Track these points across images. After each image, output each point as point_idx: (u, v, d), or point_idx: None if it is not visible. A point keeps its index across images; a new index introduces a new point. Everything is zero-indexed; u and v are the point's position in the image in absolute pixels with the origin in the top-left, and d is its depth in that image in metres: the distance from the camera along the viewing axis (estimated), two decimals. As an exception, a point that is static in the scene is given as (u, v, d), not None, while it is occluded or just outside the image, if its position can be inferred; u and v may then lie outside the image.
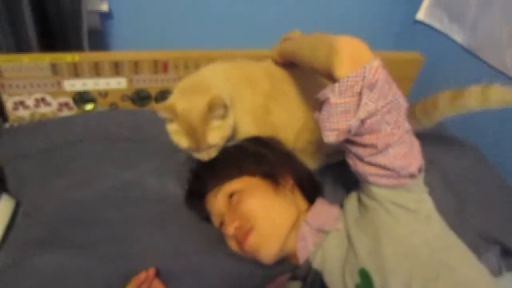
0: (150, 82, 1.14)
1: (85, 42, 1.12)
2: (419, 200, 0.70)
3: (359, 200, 0.77)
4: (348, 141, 0.66)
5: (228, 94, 0.79)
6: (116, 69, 1.09)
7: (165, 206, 0.90)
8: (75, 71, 1.06)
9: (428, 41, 1.43)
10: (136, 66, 1.10)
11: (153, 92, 1.17)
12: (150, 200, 0.91)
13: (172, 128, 0.78)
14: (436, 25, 1.39)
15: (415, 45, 1.46)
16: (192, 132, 0.75)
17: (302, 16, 1.31)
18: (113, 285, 0.75)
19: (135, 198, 0.91)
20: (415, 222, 0.69)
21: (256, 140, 0.86)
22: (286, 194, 0.80)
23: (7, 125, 1.10)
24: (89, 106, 1.14)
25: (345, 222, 0.78)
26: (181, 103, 0.76)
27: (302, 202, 0.85)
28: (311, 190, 0.88)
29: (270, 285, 0.82)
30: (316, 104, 0.67)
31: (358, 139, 0.63)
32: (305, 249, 0.77)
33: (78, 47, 1.12)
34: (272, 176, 0.80)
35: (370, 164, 0.66)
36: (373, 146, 0.63)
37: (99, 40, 1.24)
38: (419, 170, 0.67)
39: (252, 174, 0.80)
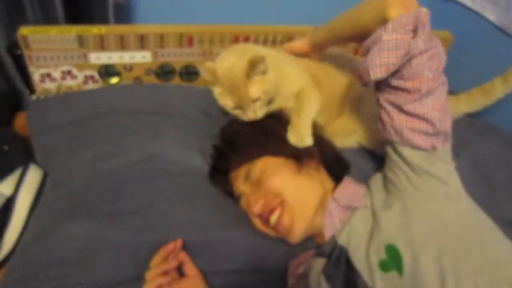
0: (174, 56, 1.13)
1: (111, 15, 1.11)
2: (450, 173, 0.71)
3: (385, 178, 0.77)
4: (390, 88, 0.68)
5: (267, 54, 0.79)
6: (142, 42, 1.08)
7: (190, 179, 0.90)
8: (101, 44, 1.06)
9: (458, 19, 1.38)
10: (161, 39, 1.09)
11: (177, 67, 1.16)
12: (174, 173, 0.91)
13: (217, 91, 0.81)
14: (467, 3, 1.34)
15: (444, 24, 1.40)
16: (235, 90, 0.77)
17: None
18: (140, 255, 0.76)
19: (160, 170, 0.91)
20: (446, 198, 0.69)
21: (279, 119, 0.85)
22: (310, 173, 0.80)
23: (34, 97, 1.11)
24: (113, 80, 1.14)
25: (371, 200, 0.78)
26: (221, 65, 0.78)
27: (328, 181, 0.85)
28: (337, 169, 0.88)
29: (295, 261, 0.83)
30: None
31: (401, 84, 0.66)
32: (331, 225, 0.78)
33: (103, 21, 1.11)
34: (295, 156, 0.80)
35: (408, 114, 0.67)
36: (416, 90, 0.65)
37: (124, 14, 1.23)
38: (449, 136, 0.70)
39: (275, 153, 0.80)
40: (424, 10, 0.62)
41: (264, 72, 0.79)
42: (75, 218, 0.82)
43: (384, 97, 0.70)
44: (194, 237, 0.80)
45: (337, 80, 0.94)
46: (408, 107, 0.67)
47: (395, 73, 0.65)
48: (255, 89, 0.78)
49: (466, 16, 1.35)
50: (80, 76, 1.11)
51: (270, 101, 0.83)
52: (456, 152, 0.73)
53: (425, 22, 0.62)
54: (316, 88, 0.86)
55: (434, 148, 0.68)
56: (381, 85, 0.70)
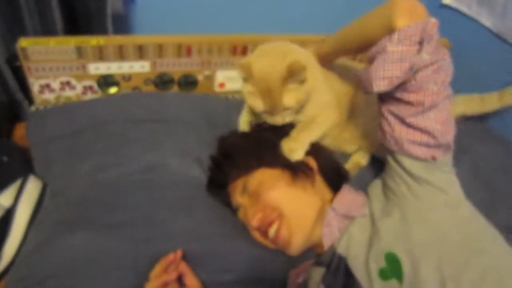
0: (173, 66, 1.14)
1: (109, 26, 1.12)
2: (450, 182, 0.71)
3: (385, 186, 0.77)
4: (393, 99, 0.67)
5: (306, 60, 0.78)
6: (140, 52, 1.09)
7: (189, 189, 0.90)
8: (100, 55, 1.06)
9: (454, 26, 1.39)
10: (160, 49, 1.09)
11: (176, 76, 1.17)
12: (174, 183, 0.91)
13: (247, 88, 0.78)
14: (464, 9, 1.35)
15: (441, 31, 1.41)
16: (268, 94, 0.75)
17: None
18: (141, 266, 0.76)
19: (159, 181, 0.92)
20: (445, 206, 0.68)
21: (276, 130, 0.85)
22: (308, 185, 0.79)
23: (33, 108, 1.11)
24: (112, 90, 1.15)
25: (370, 208, 0.77)
26: (257, 64, 0.75)
27: (326, 192, 0.84)
28: (336, 179, 0.87)
29: (294, 270, 0.83)
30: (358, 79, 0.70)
31: (405, 97, 0.65)
32: (330, 235, 0.77)
33: (102, 31, 1.12)
34: (292, 168, 0.79)
35: (409, 126, 0.67)
36: (419, 103, 0.64)
37: (122, 24, 1.24)
38: (451, 147, 0.69)
39: (272, 165, 0.79)
40: (433, 20, 0.61)
41: (302, 82, 0.76)
42: (75, 229, 0.81)
43: (387, 108, 0.70)
44: (194, 248, 0.80)
45: (340, 89, 0.92)
46: (410, 120, 0.66)
47: (399, 85, 0.64)
48: (289, 98, 0.76)
49: (463, 22, 1.36)
50: (79, 87, 1.12)
51: (298, 111, 0.82)
52: (456, 158, 0.73)
53: (432, 33, 0.60)
54: (335, 109, 0.87)
55: (434, 159, 0.68)
56: (384, 95, 0.69)
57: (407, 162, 0.70)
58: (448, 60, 0.64)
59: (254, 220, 0.74)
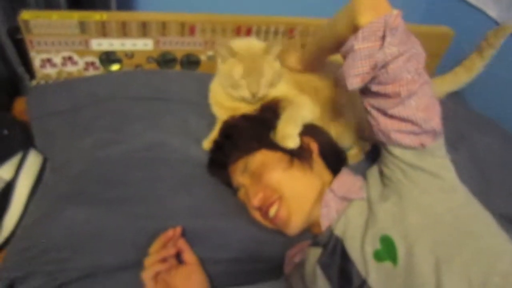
0: (176, 45, 1.13)
1: (113, 1, 1.11)
2: (443, 166, 0.70)
3: (381, 173, 0.78)
4: (371, 94, 0.67)
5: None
6: (144, 30, 1.08)
7: (189, 168, 0.91)
8: (103, 31, 1.05)
9: (459, 15, 1.38)
10: (163, 28, 1.08)
11: (178, 55, 1.16)
12: (174, 161, 0.92)
13: (227, 64, 0.88)
14: None
15: (444, 20, 1.40)
16: (249, 60, 0.86)
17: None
18: (140, 242, 0.77)
19: (160, 159, 0.92)
20: (439, 190, 0.69)
21: (277, 112, 0.86)
22: (308, 166, 0.80)
23: (34, 82, 1.10)
24: (114, 67, 1.14)
25: (367, 192, 0.78)
26: (238, 43, 0.89)
27: (326, 174, 0.85)
28: (335, 161, 0.88)
29: (291, 250, 0.84)
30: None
31: (381, 89, 0.65)
32: (328, 216, 0.78)
33: (105, 7, 1.11)
34: (293, 150, 0.80)
35: (393, 117, 0.67)
36: (396, 94, 0.64)
37: (126, 1, 1.22)
38: (440, 131, 0.68)
39: (273, 147, 0.79)
40: (395, 12, 0.60)
41: (276, 58, 0.89)
42: (75, 203, 0.82)
43: (368, 102, 0.70)
44: (193, 225, 0.80)
45: (323, 82, 0.95)
46: (392, 111, 0.66)
47: (373, 79, 0.64)
48: (268, 66, 0.86)
49: (467, 12, 1.35)
50: (81, 63, 1.11)
51: (270, 86, 0.89)
52: (454, 146, 0.75)
53: (396, 26, 0.60)
54: (301, 94, 0.91)
55: (423, 146, 0.68)
56: (363, 90, 0.69)
57: (397, 151, 0.70)
58: (419, 48, 0.64)
59: (255, 200, 0.75)
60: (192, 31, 1.11)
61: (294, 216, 0.75)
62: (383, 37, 0.60)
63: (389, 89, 0.64)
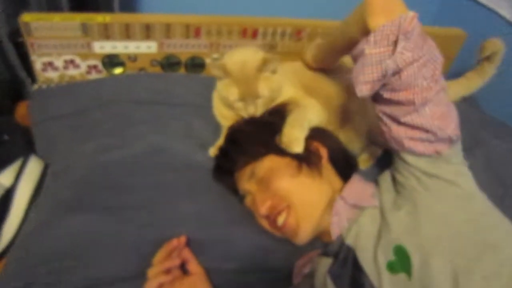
0: (180, 47, 1.11)
1: (116, 3, 1.09)
2: (459, 173, 0.68)
3: (394, 179, 0.75)
4: (383, 100, 0.64)
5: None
6: (147, 32, 1.06)
7: (194, 174, 0.89)
8: (106, 33, 1.03)
9: (471, 17, 1.36)
10: (167, 30, 1.06)
11: (183, 58, 1.14)
12: (178, 167, 0.89)
13: (222, 84, 0.84)
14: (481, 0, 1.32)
15: (456, 21, 1.38)
16: (244, 82, 0.81)
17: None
18: (143, 250, 0.75)
19: (164, 164, 0.89)
20: (456, 199, 0.66)
21: (283, 115, 0.84)
22: (317, 173, 0.78)
23: (35, 86, 1.09)
24: (118, 70, 1.12)
25: (380, 199, 0.76)
26: (231, 60, 0.83)
27: (336, 180, 0.82)
28: (345, 167, 0.86)
29: (300, 260, 0.82)
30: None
31: (394, 96, 0.62)
32: (338, 224, 0.76)
33: (108, 9, 1.09)
34: (302, 156, 0.77)
35: (406, 125, 0.64)
36: (410, 102, 0.61)
37: (130, 2, 1.21)
38: (457, 137, 0.66)
39: (280, 152, 0.77)
40: (410, 14, 0.57)
41: (274, 72, 0.83)
42: (76, 211, 0.80)
43: (380, 109, 0.67)
44: (198, 234, 0.79)
45: (333, 86, 0.93)
46: (405, 119, 0.63)
47: (385, 85, 0.62)
48: (264, 85, 0.81)
49: (480, 13, 1.33)
50: (83, 66, 1.09)
51: (271, 102, 0.85)
52: (471, 151, 0.73)
53: (410, 29, 0.56)
54: (308, 98, 0.88)
55: (438, 153, 0.65)
56: (375, 95, 0.66)
57: (411, 158, 0.68)
58: (436, 53, 0.61)
59: (263, 208, 0.73)
60: (197, 33, 1.09)
61: (303, 224, 0.73)
62: (396, 42, 0.57)
63: (402, 96, 0.61)
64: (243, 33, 1.11)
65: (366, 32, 0.61)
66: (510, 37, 1.19)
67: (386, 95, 0.63)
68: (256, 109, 0.83)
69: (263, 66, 0.80)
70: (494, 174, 0.93)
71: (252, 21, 1.11)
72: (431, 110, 0.62)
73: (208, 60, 1.15)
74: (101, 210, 0.79)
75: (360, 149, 0.97)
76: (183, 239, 0.76)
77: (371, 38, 0.59)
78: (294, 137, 0.77)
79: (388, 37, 0.58)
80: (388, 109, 0.65)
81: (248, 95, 0.81)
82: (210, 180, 0.88)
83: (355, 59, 0.65)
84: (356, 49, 0.63)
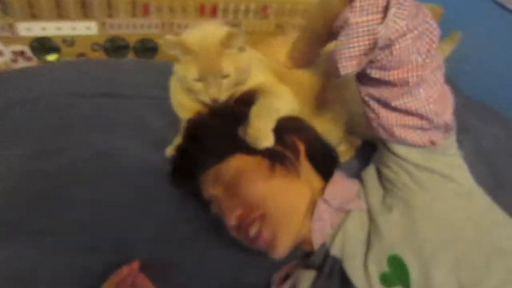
0: (127, 28, 1.02)
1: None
2: (455, 166, 0.64)
3: (380, 174, 0.70)
4: (370, 81, 0.59)
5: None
6: (84, 10, 0.96)
7: (149, 180, 0.78)
8: (31, 11, 0.92)
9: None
10: (109, 7, 0.97)
11: (131, 41, 1.05)
12: (130, 172, 0.79)
13: (180, 64, 0.75)
14: None
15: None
16: (204, 58, 0.72)
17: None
18: (85, 283, 0.64)
19: (112, 170, 0.79)
20: (455, 196, 0.62)
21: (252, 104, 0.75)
22: (295, 172, 0.70)
23: None
24: (51, 57, 1.02)
25: (366, 199, 0.70)
26: (190, 36, 0.74)
27: (315, 179, 0.75)
28: (326, 163, 0.78)
29: (278, 274, 0.76)
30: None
31: (384, 76, 0.56)
32: (321, 231, 0.69)
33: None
34: (275, 153, 0.70)
35: (397, 110, 0.59)
36: (403, 81, 0.55)
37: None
38: (452, 125, 0.62)
39: (250, 150, 0.69)
40: None
41: (241, 49, 0.75)
42: (1, 237, 0.67)
43: (366, 91, 0.62)
44: (156, 254, 0.70)
45: (307, 72, 0.86)
46: (396, 103, 0.58)
47: (373, 62, 0.56)
48: (229, 62, 0.73)
49: None
50: (7, 52, 0.97)
51: (237, 85, 0.76)
52: (458, 140, 0.67)
53: None
54: (280, 84, 0.82)
55: (433, 143, 0.61)
56: (361, 76, 0.61)
57: (401, 150, 0.63)
58: (432, 22, 0.55)
59: (232, 217, 0.66)
60: (146, 10, 0.99)
61: (280, 236, 0.66)
62: (387, 8, 0.51)
63: (393, 75, 0.55)
64: (201, 10, 1.03)
65: (351, 1, 0.54)
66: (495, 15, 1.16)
67: (375, 74, 0.56)
68: (220, 92, 0.73)
69: (228, 40, 0.72)
70: (485, 163, 0.89)
71: None
72: (426, 92, 0.57)
73: (161, 42, 1.03)
74: (32, 234, 0.67)
75: (338, 140, 0.91)
76: (135, 265, 0.66)
77: (357, 3, 0.52)
78: (260, 129, 0.69)
79: (377, 3, 0.52)
80: (376, 91, 0.59)
81: (210, 73, 0.72)
82: (169, 186, 0.77)
83: (336, 33, 0.57)
84: (338, 21, 0.56)
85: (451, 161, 0.64)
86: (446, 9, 1.26)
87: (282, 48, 0.85)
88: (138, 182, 0.77)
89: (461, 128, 0.85)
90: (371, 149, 0.82)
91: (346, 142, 0.91)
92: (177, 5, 0.99)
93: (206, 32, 0.74)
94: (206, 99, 0.74)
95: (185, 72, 0.73)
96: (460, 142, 0.73)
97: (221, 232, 0.71)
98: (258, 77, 0.81)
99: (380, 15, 0.52)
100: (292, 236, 0.67)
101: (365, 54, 0.53)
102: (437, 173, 0.62)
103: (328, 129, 0.86)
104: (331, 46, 0.84)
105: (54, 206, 0.72)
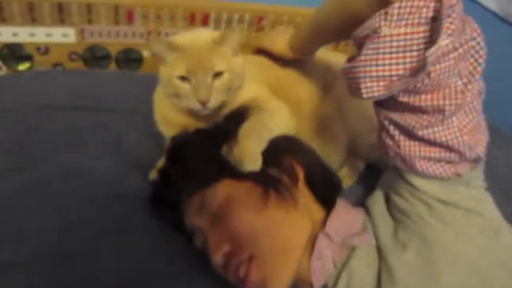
0: (108, 36, 0.98)
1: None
2: (481, 200, 0.60)
3: (392, 205, 0.64)
4: (395, 105, 0.52)
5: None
6: (61, 14, 0.90)
7: (123, 205, 0.70)
8: (1, 15, 0.86)
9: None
10: (89, 12, 0.92)
11: (113, 50, 1.00)
12: (100, 197, 0.71)
13: (166, 65, 0.69)
14: None
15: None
16: (194, 55, 0.67)
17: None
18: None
19: (79, 194, 0.70)
20: (482, 233, 0.57)
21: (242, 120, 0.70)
22: (292, 201, 0.64)
23: None
24: (23, 66, 0.98)
25: (374, 231, 0.65)
26: (181, 37, 0.70)
27: (316, 209, 0.69)
28: (326, 189, 0.71)
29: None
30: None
31: (415, 100, 0.49)
32: (322, 271, 0.63)
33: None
34: (269, 180, 0.64)
35: (423, 141, 0.53)
36: (437, 109, 0.49)
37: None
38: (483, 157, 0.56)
39: (240, 176, 0.64)
40: None
41: (235, 52, 0.70)
42: None
43: (387, 115, 0.54)
44: None
45: (304, 86, 0.82)
46: (424, 132, 0.51)
47: None
48: (221, 60, 0.67)
49: (464, 6, 1.28)
50: None
51: (229, 92, 0.70)
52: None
53: (456, 2, 0.42)
54: (276, 99, 0.77)
55: (459, 175, 0.55)
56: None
57: (419, 181, 0.57)
58: (479, 40, 0.48)
59: (218, 255, 0.59)
60: (130, 17, 0.94)
61: (272, 280, 0.59)
62: (434, 19, 0.43)
63: (426, 101, 0.48)
64: (191, 18, 0.98)
65: (381, 2, 0.46)
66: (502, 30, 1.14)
67: (402, 97, 0.49)
68: (209, 93, 0.66)
69: (221, 38, 0.68)
70: (499, 188, 0.81)
71: (201, 5, 0.97)
72: (460, 121, 0.50)
73: (146, 53, 1.02)
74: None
75: (339, 163, 0.85)
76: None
77: (393, 11, 0.43)
78: (247, 150, 0.63)
79: (420, 11, 0.43)
80: (400, 117, 0.52)
81: (200, 69, 0.66)
82: (147, 214, 0.70)
83: (359, 44, 0.50)
84: (363, 28, 0.47)
85: (476, 194, 0.59)
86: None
87: (282, 36, 0.79)
88: (109, 207, 0.69)
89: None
90: (376, 172, 0.77)
91: (348, 165, 0.85)
92: (165, 13, 0.95)
93: (197, 33, 0.71)
94: (194, 103, 0.67)
95: (170, 71, 0.67)
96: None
97: (206, 269, 0.62)
98: (251, 91, 0.75)
99: (422, 28, 0.43)
100: (287, 278, 0.60)
101: (399, 77, 0.46)
102: (461, 207, 0.57)
103: (329, 150, 0.81)
104: (335, 57, 0.78)
105: (6, 237, 0.62)
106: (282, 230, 0.61)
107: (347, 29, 0.53)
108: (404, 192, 0.60)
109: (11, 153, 0.75)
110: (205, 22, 0.98)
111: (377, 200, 0.68)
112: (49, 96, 0.87)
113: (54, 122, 0.81)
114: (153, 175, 0.74)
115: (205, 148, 0.67)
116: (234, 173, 0.63)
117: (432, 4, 0.43)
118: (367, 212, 0.68)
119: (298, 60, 0.80)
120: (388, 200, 0.65)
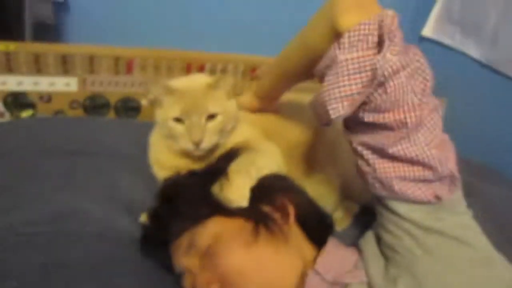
0: (108, 86, 1.00)
1: (28, 33, 0.95)
2: (467, 227, 0.58)
3: (381, 242, 0.63)
4: (363, 127, 0.56)
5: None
6: (64, 65, 0.94)
7: (112, 247, 0.68)
8: (8, 65, 0.90)
9: (437, 59, 1.33)
10: (91, 63, 0.95)
11: (112, 99, 1.03)
12: (89, 238, 0.69)
13: (161, 108, 0.72)
14: (447, 41, 1.34)
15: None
16: (189, 97, 0.70)
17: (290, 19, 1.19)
18: None
19: (68, 235, 0.68)
20: (471, 264, 0.56)
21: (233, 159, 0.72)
22: (283, 239, 0.64)
23: None
24: (25, 113, 1.00)
25: (366, 270, 0.63)
26: (177, 80, 0.74)
27: (307, 247, 0.68)
28: (317, 228, 0.71)
29: None
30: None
31: (379, 118, 0.52)
32: None
33: (19, 39, 0.95)
34: (260, 217, 0.64)
35: (395, 159, 0.54)
36: (400, 123, 0.52)
37: (51, 34, 1.09)
38: (458, 178, 0.57)
39: (230, 213, 0.65)
40: (391, 12, 0.50)
41: (228, 95, 0.74)
42: None
43: (358, 140, 0.57)
44: None
45: (296, 130, 0.83)
46: (394, 149, 0.53)
47: (366, 104, 0.53)
48: (214, 102, 0.70)
49: (445, 55, 1.35)
50: None
51: (222, 134, 0.72)
52: (466, 200, 0.61)
53: (394, 29, 0.49)
54: (268, 141, 0.79)
55: (438, 199, 0.55)
56: (351, 122, 0.58)
57: (402, 208, 0.57)
58: (423, 61, 0.53)
59: None
60: (129, 68, 0.98)
61: None
62: (379, 43, 0.49)
63: (390, 117, 0.52)
64: (187, 68, 1.02)
65: (335, 36, 0.52)
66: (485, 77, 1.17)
67: (368, 117, 0.53)
68: (203, 135, 0.68)
69: (215, 82, 0.71)
70: (495, 226, 0.81)
71: (197, 56, 1.02)
72: (425, 136, 0.53)
73: (144, 102, 1.03)
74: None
75: (333, 206, 0.84)
76: None
77: (345, 39, 0.50)
78: (235, 186, 0.64)
79: (367, 38, 0.49)
80: (370, 138, 0.55)
81: (194, 111, 0.68)
82: (134, 253, 0.68)
83: (321, 76, 0.54)
84: (322, 61, 0.53)
85: (462, 221, 0.57)
86: (440, 73, 1.30)
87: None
88: (97, 248, 0.67)
89: (468, 192, 0.79)
90: (370, 216, 0.74)
91: (342, 209, 0.85)
92: (162, 63, 0.99)
93: (193, 78, 0.75)
94: (187, 144, 0.69)
95: (166, 113, 0.69)
96: (468, 202, 0.67)
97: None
98: (244, 133, 0.77)
99: (371, 51, 0.49)
100: None
101: (358, 93, 0.50)
102: (447, 235, 0.55)
103: (321, 193, 0.80)
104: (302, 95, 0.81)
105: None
106: (272, 268, 0.61)
107: (309, 68, 0.58)
108: (391, 226, 0.59)
109: (19, 195, 0.75)
110: (200, 72, 1.02)
111: (368, 240, 0.67)
112: (47, 140, 0.88)
113: (49, 163, 0.82)
114: (143, 217, 0.73)
115: (196, 187, 0.67)
116: (224, 210, 0.63)
117: (375, 32, 0.49)
118: (360, 252, 0.66)
119: (267, 107, 0.82)
120: (378, 239, 0.64)
